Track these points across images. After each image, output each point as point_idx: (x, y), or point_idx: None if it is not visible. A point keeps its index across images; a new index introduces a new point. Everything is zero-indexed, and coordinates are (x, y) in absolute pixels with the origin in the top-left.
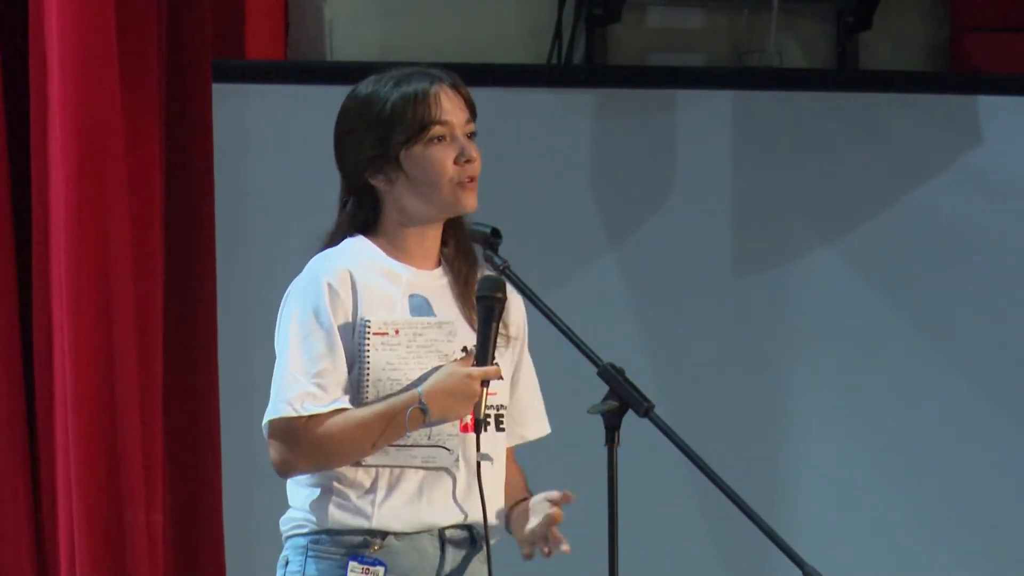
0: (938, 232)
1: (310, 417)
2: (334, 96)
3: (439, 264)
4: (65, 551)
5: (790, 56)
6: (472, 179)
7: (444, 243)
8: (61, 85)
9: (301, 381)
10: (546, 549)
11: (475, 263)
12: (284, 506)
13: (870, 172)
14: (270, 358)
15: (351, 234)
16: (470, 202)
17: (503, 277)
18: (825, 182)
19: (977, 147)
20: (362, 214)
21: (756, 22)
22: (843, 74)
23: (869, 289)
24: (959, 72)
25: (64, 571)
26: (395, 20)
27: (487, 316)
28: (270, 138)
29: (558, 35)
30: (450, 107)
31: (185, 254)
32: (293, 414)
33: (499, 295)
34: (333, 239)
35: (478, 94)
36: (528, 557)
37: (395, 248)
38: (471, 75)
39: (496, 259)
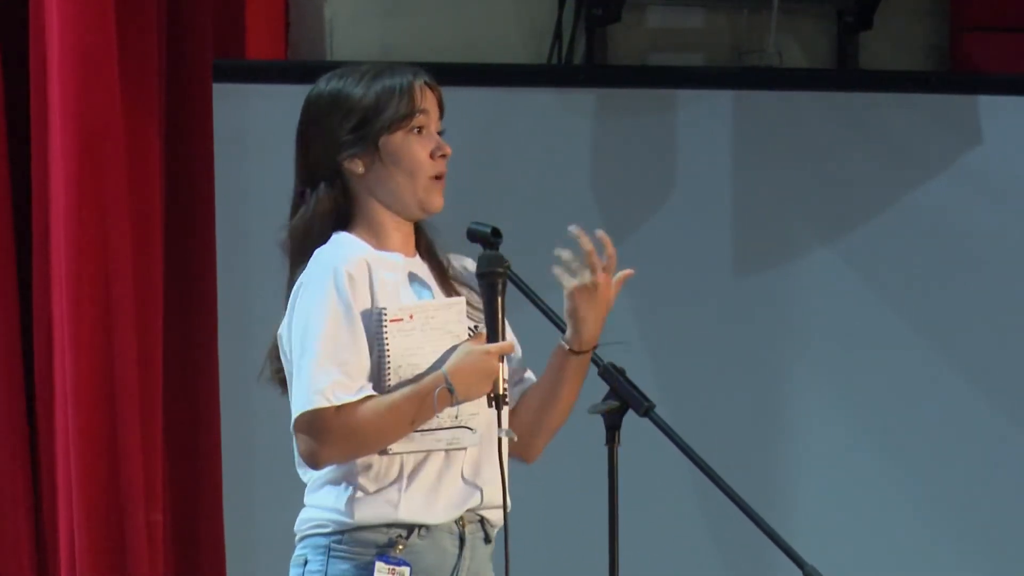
0: (938, 232)
1: (340, 407)
2: None
3: (415, 255)
4: (65, 551)
5: (790, 56)
6: (440, 176)
7: (415, 242)
8: (61, 85)
9: (330, 371)
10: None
11: (440, 257)
12: (284, 505)
13: (870, 172)
14: None
15: (333, 229)
16: (438, 202)
17: (500, 253)
18: (825, 182)
19: (977, 147)
20: (333, 206)
21: (756, 22)
22: (843, 74)
23: (869, 289)
24: (959, 72)
25: (64, 571)
26: (395, 20)
27: (492, 291)
28: (270, 138)
29: (558, 35)
30: (428, 101)
31: (185, 254)
32: (326, 404)
33: (500, 269)
34: (310, 237)
35: (478, 94)
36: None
37: (378, 237)
38: (471, 75)
39: None
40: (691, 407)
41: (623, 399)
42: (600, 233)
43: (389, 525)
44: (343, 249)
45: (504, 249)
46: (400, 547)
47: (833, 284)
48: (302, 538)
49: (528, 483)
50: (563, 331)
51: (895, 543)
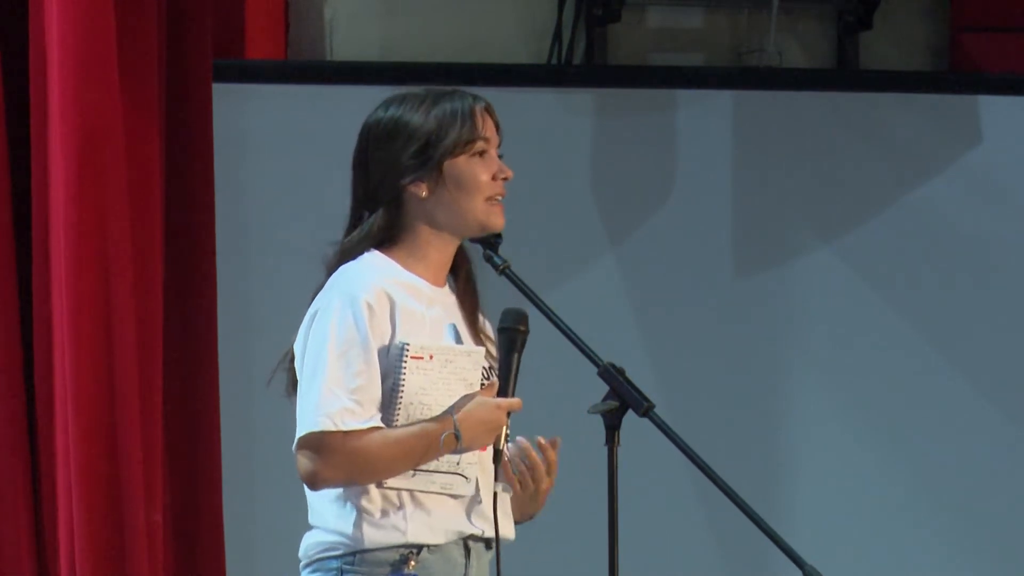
0: (938, 232)
1: (347, 433)
2: (334, 96)
3: (445, 284)
4: (65, 551)
5: (790, 56)
6: (502, 196)
7: (453, 268)
8: (61, 85)
9: (340, 396)
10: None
11: (478, 296)
12: (284, 505)
13: (870, 172)
14: (270, 358)
15: (369, 248)
16: (500, 222)
17: (526, 310)
18: (825, 182)
19: (977, 147)
20: (386, 229)
21: (756, 22)
22: (843, 74)
23: (869, 289)
24: (959, 72)
25: (64, 571)
26: (395, 19)
27: (510, 348)
28: (270, 138)
29: (558, 35)
30: (488, 126)
31: (185, 254)
32: (332, 428)
33: (522, 328)
34: (357, 248)
35: (478, 94)
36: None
37: (414, 260)
38: (471, 75)
39: (496, 259)
40: (691, 407)
41: (623, 399)
42: (541, 442)
43: (398, 547)
44: (365, 276)
45: (504, 249)
46: (412, 563)
47: (833, 284)
48: (310, 563)
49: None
50: (562, 331)
51: (895, 543)
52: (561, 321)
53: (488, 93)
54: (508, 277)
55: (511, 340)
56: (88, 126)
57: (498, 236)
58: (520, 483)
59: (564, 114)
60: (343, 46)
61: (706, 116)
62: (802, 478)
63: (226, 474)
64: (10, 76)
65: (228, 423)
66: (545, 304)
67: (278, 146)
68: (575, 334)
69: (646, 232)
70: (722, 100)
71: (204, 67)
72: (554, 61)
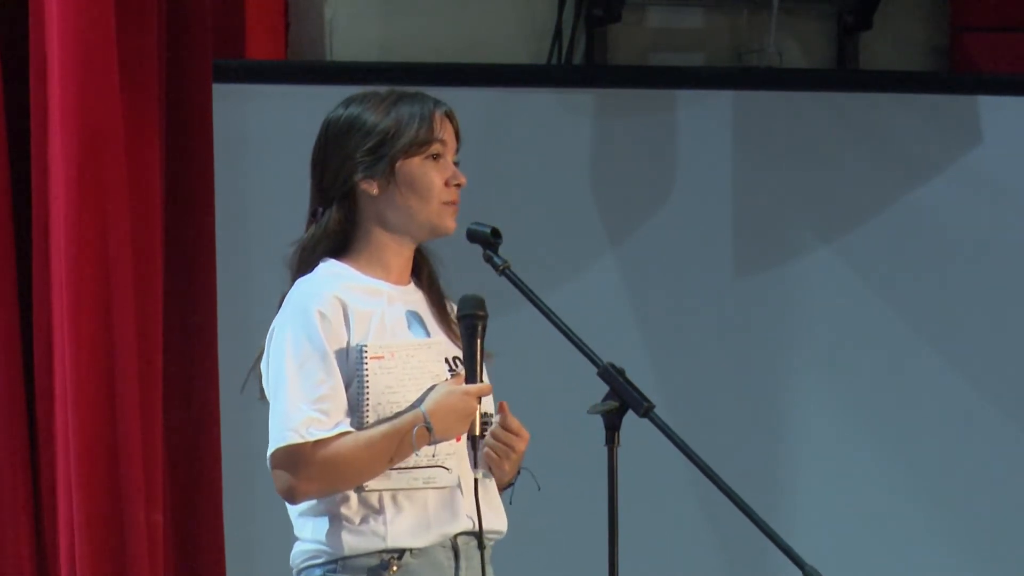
0: (938, 232)
1: (316, 442)
2: (334, 96)
3: (409, 282)
4: (65, 551)
5: (790, 56)
6: (456, 202)
7: (415, 270)
8: (61, 85)
9: (303, 408)
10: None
11: (442, 294)
12: (284, 507)
13: (870, 172)
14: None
15: (324, 257)
16: (451, 224)
17: (483, 296)
18: (825, 182)
19: (977, 147)
20: (341, 227)
21: (756, 22)
22: (843, 74)
23: (869, 289)
24: (959, 72)
25: (64, 571)
26: (395, 20)
27: (471, 334)
28: (270, 138)
29: (558, 35)
30: (447, 131)
31: (185, 254)
32: (299, 440)
33: (481, 312)
34: (316, 249)
35: (478, 94)
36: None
37: (372, 264)
38: (471, 75)
39: (496, 259)
40: (691, 407)
41: (623, 399)
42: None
43: (379, 552)
44: (317, 286)
45: (504, 249)
46: (394, 568)
47: (833, 284)
48: (298, 572)
49: (527, 483)
50: (562, 331)
51: (895, 542)
52: (561, 321)
53: (488, 93)
54: (508, 277)
55: (471, 326)
56: (88, 126)
57: (498, 236)
58: (496, 453)
59: (564, 114)
60: (343, 46)
61: (706, 116)
62: (802, 478)
63: (226, 474)
64: (10, 76)
65: (228, 423)
66: (545, 304)
67: (278, 146)
68: (575, 334)
69: (646, 232)
70: (722, 100)
71: (204, 67)
72: (554, 61)
